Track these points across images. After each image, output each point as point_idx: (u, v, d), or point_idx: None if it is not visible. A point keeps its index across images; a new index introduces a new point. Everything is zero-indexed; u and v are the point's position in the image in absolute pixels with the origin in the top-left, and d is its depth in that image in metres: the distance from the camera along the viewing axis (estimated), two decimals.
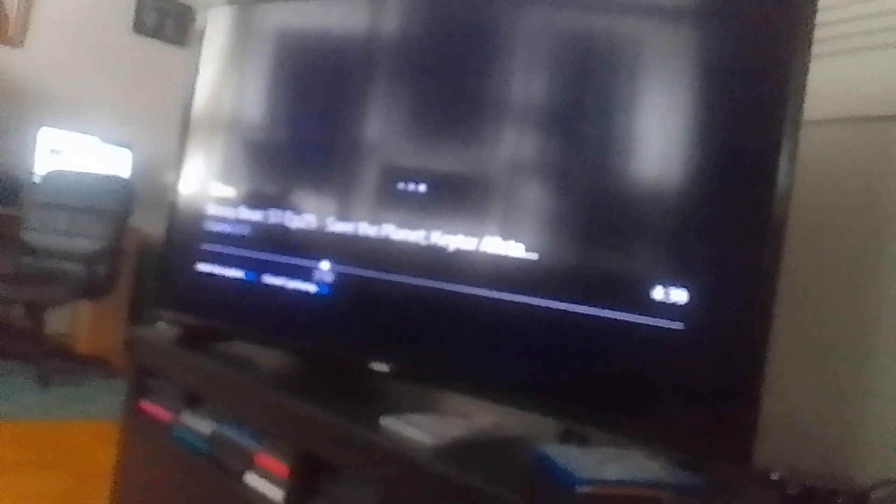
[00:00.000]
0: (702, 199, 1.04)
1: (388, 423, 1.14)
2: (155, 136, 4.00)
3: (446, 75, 1.31)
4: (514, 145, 1.23)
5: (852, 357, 1.20)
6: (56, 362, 3.43)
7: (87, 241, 3.49)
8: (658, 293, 1.05)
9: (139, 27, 4.22)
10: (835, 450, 1.19)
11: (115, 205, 3.57)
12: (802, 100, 0.98)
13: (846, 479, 1.02)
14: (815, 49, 0.98)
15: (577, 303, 1.11)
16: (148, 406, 1.66)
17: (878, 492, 0.94)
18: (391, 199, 1.34)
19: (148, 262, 3.74)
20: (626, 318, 1.07)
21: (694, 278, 1.03)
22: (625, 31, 1.14)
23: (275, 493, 1.27)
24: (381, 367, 1.29)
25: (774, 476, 0.98)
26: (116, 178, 3.74)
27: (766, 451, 1.00)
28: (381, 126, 1.40)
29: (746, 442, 0.97)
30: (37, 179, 3.69)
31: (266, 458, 1.31)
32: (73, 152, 3.87)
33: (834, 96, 1.23)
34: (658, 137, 1.09)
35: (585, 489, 0.95)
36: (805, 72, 0.98)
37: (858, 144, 1.23)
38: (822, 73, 1.10)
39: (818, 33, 0.99)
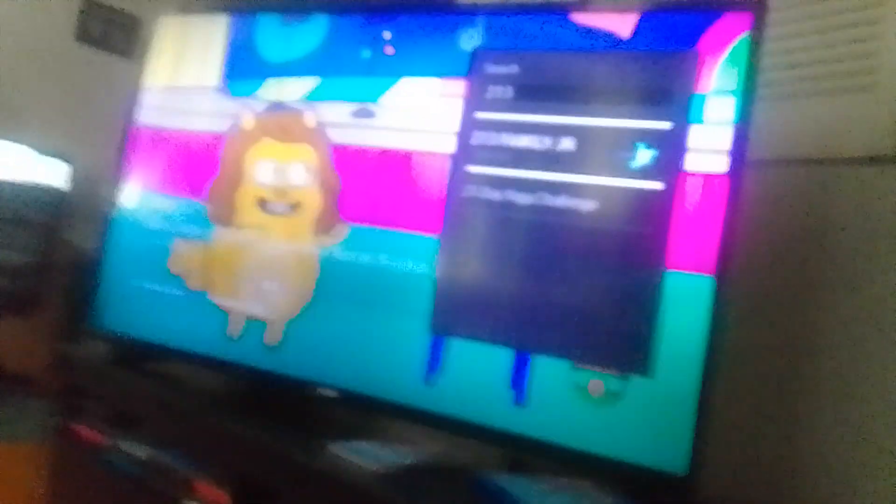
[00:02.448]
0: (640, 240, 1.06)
1: (334, 449, 1.12)
2: (95, 148, 3.88)
3: None
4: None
5: (792, 391, 1.24)
6: None
7: (12, 254, 3.36)
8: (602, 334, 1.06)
9: (82, 36, 4.11)
10: (776, 478, 1.22)
11: (45, 216, 3.45)
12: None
13: None
14: (762, 92, 1.02)
15: (525, 333, 1.11)
16: (78, 428, 1.59)
17: None
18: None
19: (81, 277, 3.61)
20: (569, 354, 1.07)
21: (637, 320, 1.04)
22: None
23: None
24: (327, 392, 1.27)
25: None
26: (47, 188, 3.61)
27: (712, 483, 1.02)
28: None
29: (691, 474, 0.98)
30: None
31: (205, 486, 1.27)
32: (4, 162, 3.73)
33: (779, 137, 1.28)
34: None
35: None
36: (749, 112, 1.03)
37: (801, 185, 1.28)
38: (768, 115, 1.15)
39: (765, 77, 1.03)
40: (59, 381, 1.71)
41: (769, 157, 1.26)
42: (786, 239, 1.27)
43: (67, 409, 1.62)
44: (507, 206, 1.17)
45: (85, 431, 1.58)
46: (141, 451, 1.43)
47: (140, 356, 1.57)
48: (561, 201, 1.13)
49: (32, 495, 1.67)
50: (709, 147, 1.05)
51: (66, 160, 3.87)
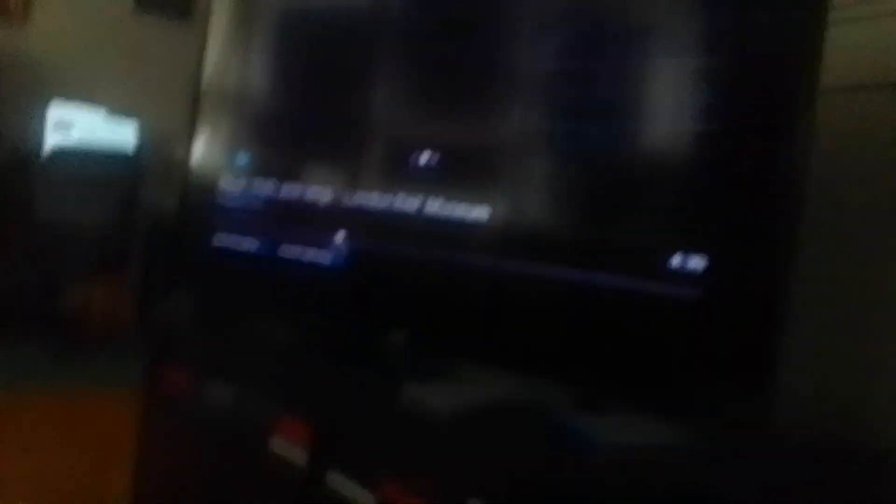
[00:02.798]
0: (721, 164, 1.04)
1: (407, 390, 1.16)
2: (164, 111, 3.99)
3: (456, 43, 1.31)
4: (526, 112, 1.22)
5: (871, 321, 1.21)
6: (70, 337, 3.46)
7: (97, 216, 3.51)
8: (675, 260, 1.05)
9: (141, 3, 4.20)
10: (853, 414, 1.20)
11: (125, 179, 3.58)
12: (821, 64, 0.97)
13: (864, 443, 1.03)
14: (836, 14, 0.97)
15: (592, 270, 1.11)
16: (166, 378, 1.68)
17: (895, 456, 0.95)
18: (404, 171, 1.35)
19: (161, 236, 3.76)
20: (643, 286, 1.07)
21: (711, 244, 1.03)
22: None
23: (298, 458, 1.29)
24: (397, 336, 1.31)
25: (791, 440, 0.99)
26: (125, 153, 3.74)
27: (782, 416, 1.01)
28: (393, 96, 1.40)
29: (763, 407, 0.97)
30: (46, 154, 3.70)
31: (288, 427, 1.33)
32: (81, 127, 3.88)
33: (855, 62, 1.22)
34: (672, 100, 1.09)
35: (602, 455, 0.96)
36: (824, 35, 0.97)
37: (880, 111, 1.22)
38: (843, 39, 1.09)
39: None
40: (146, 334, 1.81)
41: (850, 83, 1.21)
42: (871, 169, 1.22)
43: (155, 359, 1.71)
44: None
45: (172, 380, 1.66)
46: (225, 397, 1.50)
47: (220, 308, 1.64)
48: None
49: (125, 438, 1.78)
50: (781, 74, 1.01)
51: (137, 122, 4.00)
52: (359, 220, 1.38)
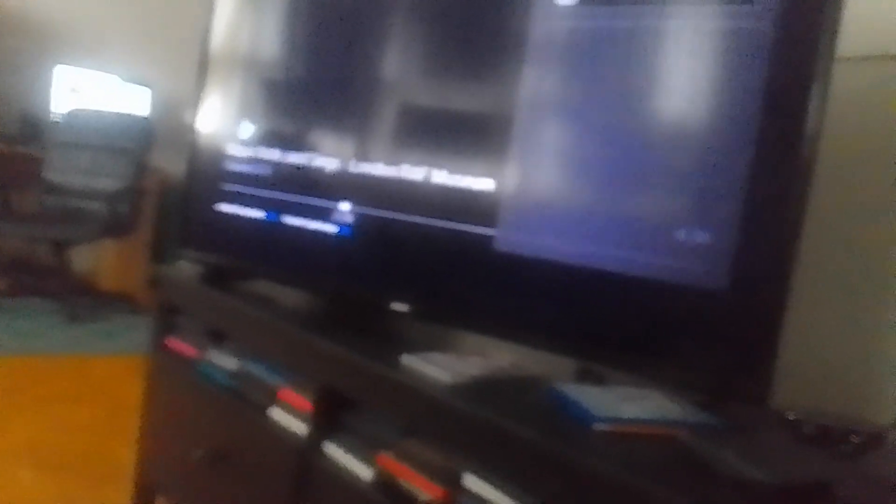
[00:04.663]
0: (729, 135, 1.02)
1: (409, 360, 1.16)
2: (174, 75, 3.98)
3: (465, 11, 1.28)
4: (534, 84, 1.20)
5: (874, 298, 1.19)
6: (82, 299, 3.50)
7: (108, 180, 3.52)
8: (680, 235, 1.04)
9: None
10: (853, 390, 1.19)
11: (135, 144, 3.58)
12: (835, 36, 0.95)
13: (864, 420, 1.03)
14: None
15: (599, 245, 1.10)
16: (174, 342, 1.70)
17: (895, 431, 0.94)
18: (411, 139, 1.33)
19: (169, 201, 3.77)
20: (645, 260, 1.06)
21: (717, 219, 1.02)
22: None
23: (298, 426, 1.30)
24: (401, 307, 1.31)
25: (791, 416, 0.99)
26: (136, 117, 3.74)
27: (783, 392, 1.01)
28: (400, 64, 1.38)
29: (763, 382, 0.97)
30: (56, 118, 3.70)
31: (289, 393, 1.34)
32: (91, 91, 3.87)
33: (868, 33, 1.19)
34: (684, 74, 1.07)
35: (603, 427, 0.96)
36: (839, 7, 0.95)
37: (892, 82, 1.19)
38: (857, 9, 1.07)
39: None
40: (155, 298, 1.82)
41: (862, 54, 1.18)
42: (877, 138, 1.20)
43: (163, 324, 1.73)
44: None
45: (179, 345, 1.68)
46: (230, 363, 1.52)
47: (226, 275, 1.64)
48: None
49: (133, 401, 1.80)
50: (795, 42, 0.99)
51: (149, 87, 3.98)
52: (366, 188, 1.37)
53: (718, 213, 1.02)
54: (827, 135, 0.97)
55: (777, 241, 0.97)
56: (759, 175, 0.99)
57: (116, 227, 3.47)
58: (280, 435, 1.33)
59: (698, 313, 1.04)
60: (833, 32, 0.96)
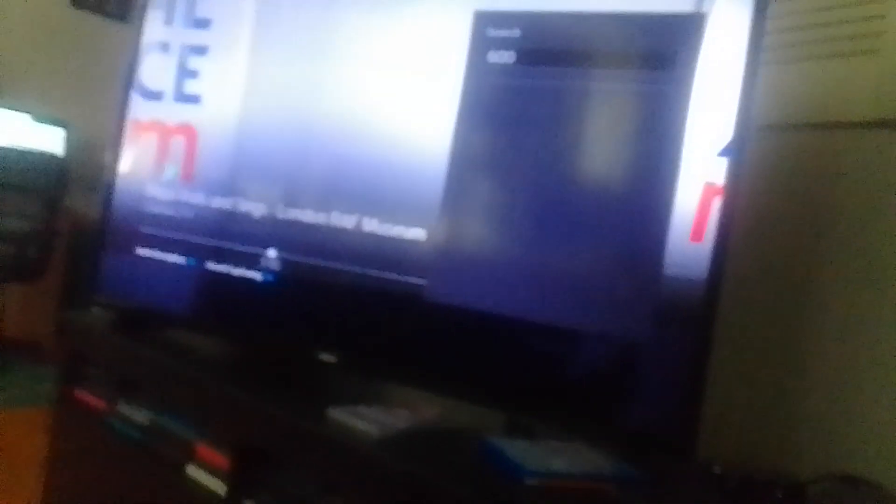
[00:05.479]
0: (650, 191, 1.05)
1: (334, 413, 1.13)
2: (92, 114, 3.85)
3: (398, 60, 1.30)
4: (466, 137, 1.22)
5: (791, 354, 1.24)
6: None
7: (17, 221, 3.35)
8: (604, 287, 1.05)
9: (78, 0, 4.06)
10: (774, 444, 1.23)
11: (47, 184, 3.43)
12: (752, 104, 1.00)
13: (785, 473, 1.05)
14: (768, 56, 1.00)
15: (523, 296, 1.11)
16: (81, 394, 1.60)
17: (816, 486, 0.97)
18: (341, 187, 1.32)
19: (82, 244, 3.61)
20: (571, 312, 1.07)
21: (639, 271, 1.04)
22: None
23: (217, 485, 1.24)
24: (328, 357, 1.27)
25: (716, 469, 1.00)
26: (50, 156, 3.59)
27: (707, 446, 1.02)
28: (331, 108, 1.38)
29: (689, 436, 0.98)
30: None
31: (207, 450, 1.28)
32: (2, 129, 3.71)
33: (784, 102, 1.26)
34: (610, 133, 1.10)
35: (533, 481, 0.95)
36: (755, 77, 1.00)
37: (805, 150, 1.26)
38: (774, 79, 1.13)
39: (771, 40, 1.01)
40: (62, 347, 1.72)
41: (776, 122, 1.25)
42: (793, 204, 1.26)
43: (70, 374, 1.63)
44: None
45: (87, 397, 1.59)
46: (142, 416, 1.44)
47: (141, 322, 1.57)
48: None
49: (36, 459, 1.69)
50: (712, 112, 1.03)
51: (64, 126, 3.85)
52: (292, 236, 1.35)
53: (640, 265, 1.04)
54: (744, 196, 1.01)
55: (699, 293, 1.00)
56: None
57: (24, 270, 3.29)
58: (196, 493, 1.26)
59: (623, 365, 1.05)
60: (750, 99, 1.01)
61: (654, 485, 1.00)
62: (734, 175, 0.99)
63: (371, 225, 1.26)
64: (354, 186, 1.31)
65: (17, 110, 3.76)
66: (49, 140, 3.80)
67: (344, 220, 1.29)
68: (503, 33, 1.19)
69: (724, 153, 1.00)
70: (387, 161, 1.29)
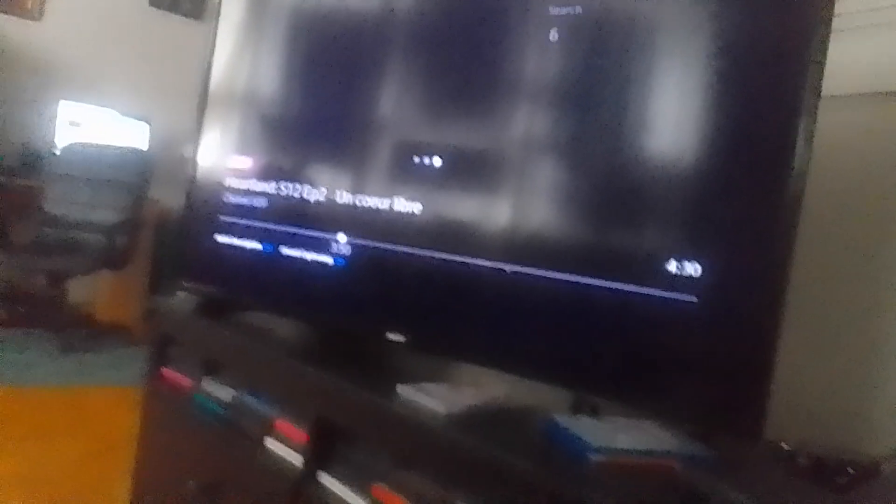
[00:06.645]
0: (719, 173, 1.04)
1: (404, 391, 1.16)
2: (172, 110, 4.02)
3: (461, 50, 1.31)
4: (530, 120, 1.23)
5: (864, 330, 1.20)
6: (77, 330, 3.49)
7: (107, 213, 3.53)
8: (672, 266, 1.05)
9: (155, 0, 4.23)
10: (846, 422, 1.20)
11: (134, 177, 3.60)
12: (821, 74, 0.98)
13: (857, 451, 1.03)
14: (836, 24, 0.97)
15: (592, 276, 1.11)
16: (169, 373, 1.69)
17: (890, 463, 0.94)
18: (406, 173, 1.35)
19: (167, 234, 3.78)
20: (639, 291, 1.07)
21: (708, 252, 1.03)
22: (641, 7, 1.13)
23: (294, 457, 1.29)
24: (396, 337, 1.31)
25: (785, 448, 0.99)
26: (135, 151, 3.77)
27: (777, 424, 1.01)
28: (396, 99, 1.41)
29: (758, 414, 0.97)
30: (57, 152, 3.73)
31: (285, 425, 1.34)
32: (91, 125, 3.90)
33: (854, 72, 1.22)
34: (674, 112, 1.09)
35: (597, 458, 0.96)
36: (824, 46, 0.98)
37: (878, 121, 1.22)
38: (843, 49, 1.09)
39: (839, 8, 0.98)
40: (151, 330, 1.82)
41: (846, 93, 1.21)
42: (864, 175, 1.22)
43: (158, 355, 1.73)
44: None
45: (174, 375, 1.68)
46: (225, 394, 1.51)
47: (222, 306, 1.65)
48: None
49: (128, 432, 1.79)
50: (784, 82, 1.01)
51: (148, 121, 4.02)
52: (361, 221, 1.39)
53: (709, 244, 1.03)
54: (814, 169, 0.99)
55: (769, 273, 0.99)
56: (749, 207, 1.01)
57: (114, 259, 3.47)
58: (275, 466, 1.32)
59: (691, 345, 1.05)
60: (819, 70, 0.98)
61: (721, 463, 0.99)
62: (804, 147, 0.97)
63: (438, 209, 1.29)
64: (422, 172, 1.33)
65: (104, 107, 3.95)
66: (134, 135, 3.99)
67: (411, 206, 1.32)
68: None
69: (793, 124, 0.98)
70: (454, 146, 1.31)
